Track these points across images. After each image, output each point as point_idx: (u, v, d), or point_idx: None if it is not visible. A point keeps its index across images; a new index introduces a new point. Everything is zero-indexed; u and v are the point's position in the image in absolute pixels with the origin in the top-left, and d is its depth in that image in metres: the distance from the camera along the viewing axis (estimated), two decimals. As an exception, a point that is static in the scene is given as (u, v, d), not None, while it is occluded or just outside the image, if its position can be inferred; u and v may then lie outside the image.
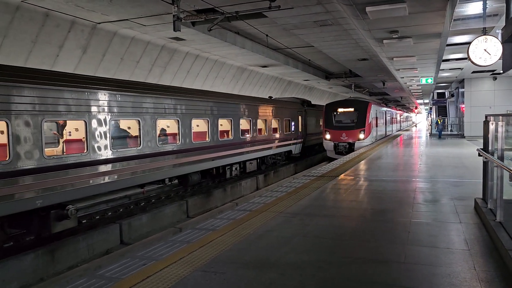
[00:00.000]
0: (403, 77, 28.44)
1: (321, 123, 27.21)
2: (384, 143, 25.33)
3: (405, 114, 71.50)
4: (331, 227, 6.18)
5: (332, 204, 7.83)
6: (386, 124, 34.00)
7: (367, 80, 31.32)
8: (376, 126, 27.21)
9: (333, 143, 24.19)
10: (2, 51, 12.01)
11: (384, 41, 15.51)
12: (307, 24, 13.65)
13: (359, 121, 24.00)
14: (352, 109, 24.54)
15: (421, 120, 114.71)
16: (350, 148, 23.42)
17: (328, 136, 24.53)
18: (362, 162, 14.85)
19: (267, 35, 17.37)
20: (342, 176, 11.41)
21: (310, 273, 4.34)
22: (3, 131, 8.37)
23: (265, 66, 24.44)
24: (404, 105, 76.35)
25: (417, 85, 34.09)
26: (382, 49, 17.51)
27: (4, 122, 7.97)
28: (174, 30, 11.21)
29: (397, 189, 9.34)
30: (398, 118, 50.61)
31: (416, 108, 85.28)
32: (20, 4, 11.41)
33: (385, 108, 34.18)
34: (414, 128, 61.73)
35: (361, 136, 23.67)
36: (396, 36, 14.73)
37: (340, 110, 24.77)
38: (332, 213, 7.10)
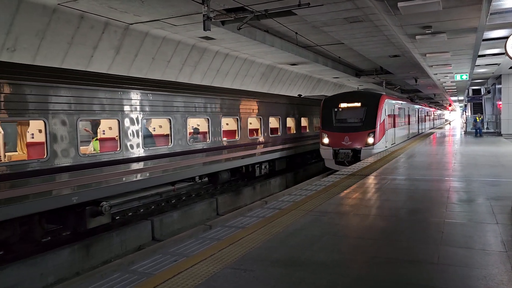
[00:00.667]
0: (436, 74, 27.70)
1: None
2: (416, 141, 24.73)
3: (438, 112, 69.05)
4: (361, 226, 6.11)
5: (363, 203, 7.73)
6: (409, 123, 27.97)
7: (399, 77, 30.69)
8: (394, 127, 21.34)
9: (332, 150, 18.42)
10: (40, 52, 12.45)
11: (417, 37, 15.15)
12: (337, 21, 13.50)
13: (368, 120, 18.19)
14: (358, 104, 18.65)
15: (455, 117, 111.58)
16: (355, 156, 17.91)
17: (326, 140, 18.69)
18: (394, 160, 14.58)
19: (296, 33, 17.29)
20: (373, 174, 11.24)
21: (340, 273, 4.31)
22: (41, 129, 8.69)
23: (295, 64, 24.33)
24: (437, 103, 74.43)
25: (451, 82, 33.13)
26: (415, 45, 17.12)
27: (42, 121, 8.28)
28: (204, 29, 11.31)
29: (430, 188, 9.12)
30: (428, 116, 45.35)
31: (450, 105, 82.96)
32: (57, 7, 11.80)
33: (407, 103, 27.92)
34: (447, 126, 60.07)
35: (370, 140, 17.85)
36: (429, 31, 14.36)
37: (342, 105, 18.89)
38: (362, 212, 7.01)
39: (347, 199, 8.10)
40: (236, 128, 15.27)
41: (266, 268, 4.45)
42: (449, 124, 74.65)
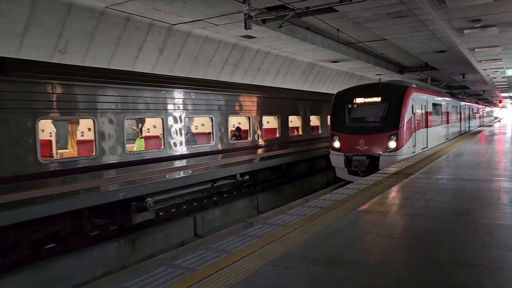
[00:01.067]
0: (485, 69, 26.51)
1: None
2: (462, 140, 23.76)
3: (487, 109, 65.60)
4: (405, 227, 5.97)
5: (406, 203, 7.54)
6: (448, 122, 23.48)
7: (445, 73, 29.60)
8: (426, 126, 17.41)
9: (344, 156, 14.93)
10: (89, 54, 12.98)
11: (465, 31, 14.57)
12: (380, 17, 13.21)
13: (389, 119, 14.57)
14: (377, 99, 15.06)
15: (505, 115, 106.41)
16: (373, 163, 14.45)
17: (337, 144, 15.20)
18: (439, 159, 14.11)
19: (338, 30, 17.06)
20: (417, 173, 10.94)
21: (382, 273, 4.24)
22: (90, 128, 9.08)
23: (336, 61, 24.02)
24: (486, 99, 71.21)
25: (502, 77, 31.59)
26: (462, 40, 16.47)
27: (91, 120, 8.64)
28: (245, 28, 11.40)
29: (479, 188, 8.77)
30: (474, 113, 40.25)
31: (500, 102, 79.14)
32: (104, 9, 12.25)
33: (446, 98, 23.39)
34: (497, 124, 57.32)
35: (392, 144, 14.27)
36: (479, 25, 13.76)
37: (358, 100, 15.39)
38: (406, 212, 6.84)
39: (390, 199, 7.93)
40: (276, 126, 15.29)
41: (307, 266, 4.45)
42: (499, 121, 71.19)
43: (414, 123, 15.37)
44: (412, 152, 15.24)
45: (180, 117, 10.76)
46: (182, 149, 10.80)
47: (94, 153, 8.70)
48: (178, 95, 10.74)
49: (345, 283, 4.00)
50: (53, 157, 9.75)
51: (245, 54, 18.95)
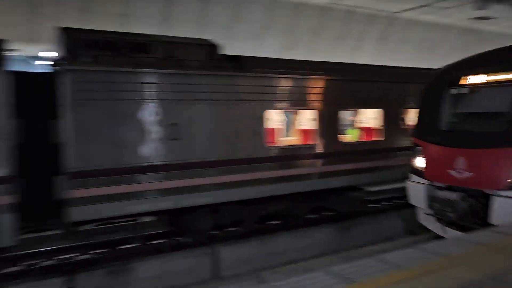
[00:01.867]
0: None
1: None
2: None
3: None
4: None
5: None
6: None
7: None
8: None
9: (426, 186, 7.73)
10: (312, 48, 13.86)
11: None
12: None
13: None
14: (506, 77, 6.83)
15: None
16: (482, 209, 6.82)
17: (420, 163, 8.01)
18: None
19: None
20: None
21: None
22: (315, 118, 9.64)
23: None
24: None
25: None
26: None
27: (316, 111, 9.27)
28: (478, 9, 10.23)
29: None
30: None
31: None
32: (328, 5, 12.84)
33: None
34: None
35: None
36: None
37: (469, 80, 7.49)
38: None
39: None
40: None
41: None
42: None
43: None
44: None
45: (400, 109, 10.47)
46: (399, 141, 10.51)
47: (311, 142, 9.31)
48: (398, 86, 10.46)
49: None
50: (276, 144, 10.83)
51: (477, 38, 16.96)
